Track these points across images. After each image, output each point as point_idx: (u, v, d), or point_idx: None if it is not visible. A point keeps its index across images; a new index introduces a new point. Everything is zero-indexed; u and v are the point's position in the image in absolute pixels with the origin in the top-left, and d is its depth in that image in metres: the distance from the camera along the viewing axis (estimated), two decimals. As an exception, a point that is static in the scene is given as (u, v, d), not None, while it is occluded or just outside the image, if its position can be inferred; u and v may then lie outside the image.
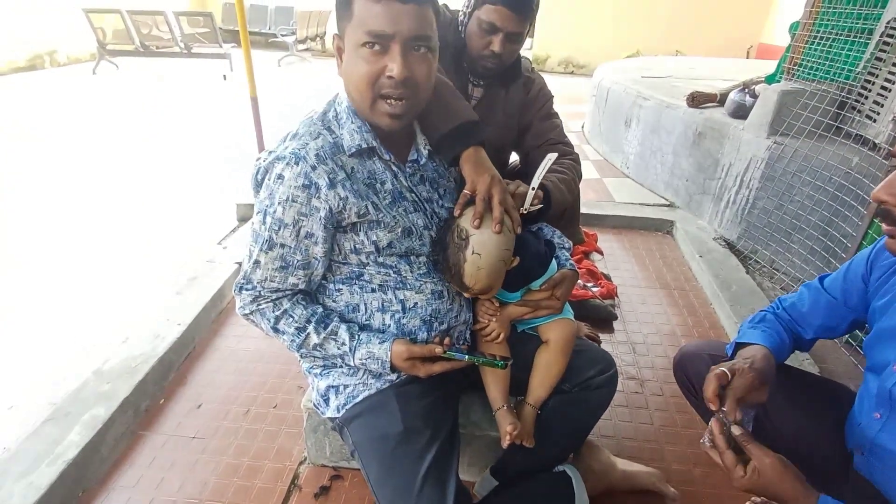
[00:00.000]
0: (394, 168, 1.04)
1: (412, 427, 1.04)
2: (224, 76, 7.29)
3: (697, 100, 2.88)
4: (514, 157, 1.77)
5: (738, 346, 1.10)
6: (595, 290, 2.16)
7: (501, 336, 1.18)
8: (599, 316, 2.07)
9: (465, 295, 1.11)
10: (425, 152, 1.08)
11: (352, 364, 1.05)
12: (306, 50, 9.50)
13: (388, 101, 0.92)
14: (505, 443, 1.13)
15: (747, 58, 8.20)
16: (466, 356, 1.04)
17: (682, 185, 2.93)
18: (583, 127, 4.58)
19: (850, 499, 1.03)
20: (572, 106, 5.66)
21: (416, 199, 1.07)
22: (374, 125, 1.00)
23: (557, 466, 1.27)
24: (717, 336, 2.05)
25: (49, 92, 6.18)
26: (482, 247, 1.00)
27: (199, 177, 3.58)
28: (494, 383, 1.19)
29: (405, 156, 1.07)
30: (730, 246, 2.56)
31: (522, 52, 1.59)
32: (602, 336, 1.99)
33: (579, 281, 2.18)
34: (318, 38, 10.03)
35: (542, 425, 1.21)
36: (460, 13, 1.46)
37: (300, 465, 1.44)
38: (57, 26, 7.57)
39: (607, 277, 2.30)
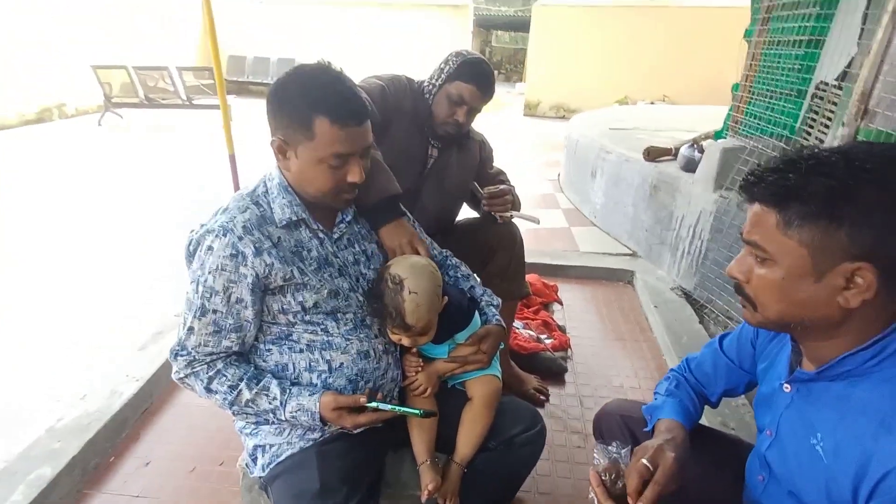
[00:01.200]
0: (320, 235, 1.13)
1: (328, 485, 1.07)
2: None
3: (653, 154, 3.01)
4: None
5: (655, 410, 1.14)
6: (548, 342, 2.21)
7: (428, 391, 1.23)
8: (550, 369, 2.11)
9: (406, 341, 1.16)
10: (351, 212, 1.19)
11: (283, 418, 1.09)
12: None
13: (347, 193, 1.10)
14: (423, 497, 1.17)
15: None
16: (389, 406, 1.10)
17: (643, 236, 3.02)
18: (558, 176, 4.73)
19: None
20: (552, 154, 5.83)
21: (342, 263, 1.16)
22: (313, 202, 1.11)
23: None
24: (667, 388, 2.08)
25: (55, 143, 6.46)
26: (417, 285, 1.10)
27: (178, 229, 3.71)
28: (420, 437, 1.23)
29: (332, 222, 1.17)
30: (686, 295, 2.62)
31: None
32: (552, 389, 2.03)
33: (532, 333, 2.24)
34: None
35: (469, 483, 1.24)
36: (427, 83, 1.64)
37: (237, 525, 1.48)
38: (66, 81, 7.98)
39: (562, 329, 2.35)
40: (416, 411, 1.11)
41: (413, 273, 1.12)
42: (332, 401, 1.07)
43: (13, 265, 3.06)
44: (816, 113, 2.20)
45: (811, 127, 2.24)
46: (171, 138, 7.02)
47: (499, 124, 8.93)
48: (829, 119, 2.09)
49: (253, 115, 8.37)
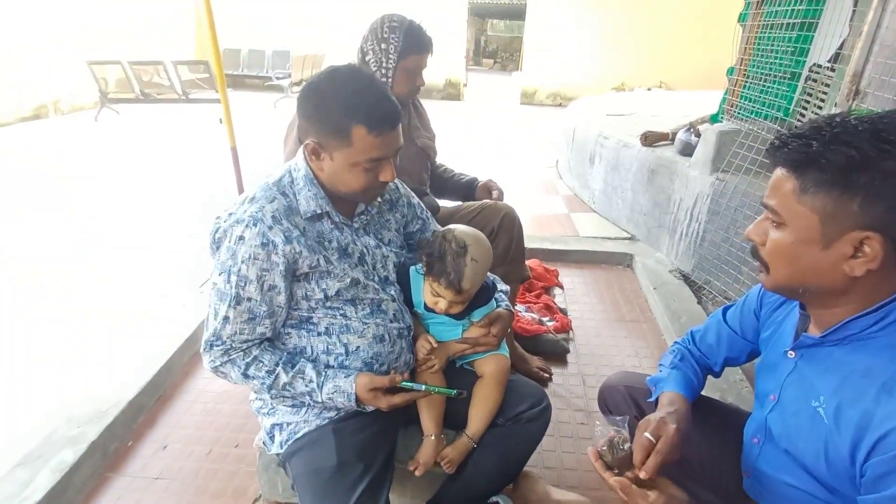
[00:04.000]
0: (341, 226, 1.17)
1: (345, 460, 1.13)
2: (220, 120, 7.53)
3: (650, 139, 3.05)
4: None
5: (659, 382, 1.18)
6: (550, 324, 2.26)
7: (436, 367, 1.28)
8: (552, 350, 2.16)
9: (442, 304, 1.22)
10: (375, 204, 1.23)
11: (319, 400, 1.13)
12: (301, 91, 9.85)
13: (377, 190, 1.14)
14: (410, 466, 1.24)
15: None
16: (424, 386, 1.16)
17: (642, 220, 3.07)
18: (557, 163, 4.76)
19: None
20: (551, 141, 5.84)
21: (363, 249, 1.19)
22: (336, 195, 1.14)
23: (492, 497, 1.35)
24: (666, 366, 2.14)
25: (53, 138, 6.45)
26: (479, 254, 1.19)
27: (182, 223, 3.74)
28: (428, 412, 1.28)
29: (352, 212, 1.20)
30: (685, 277, 2.67)
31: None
32: (555, 369, 2.09)
33: (535, 315, 2.29)
34: (312, 80, 10.42)
35: (477, 458, 1.30)
36: (374, 64, 1.71)
37: (255, 502, 1.53)
38: (60, 77, 7.94)
39: (563, 312, 2.41)
40: (450, 391, 1.17)
41: (476, 242, 1.21)
42: (368, 381, 1.12)
43: (17, 263, 3.07)
44: (810, 95, 2.24)
45: (805, 108, 2.28)
46: (168, 133, 7.01)
47: (496, 113, 8.94)
48: (822, 101, 2.13)
49: (250, 109, 8.36)
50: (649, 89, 8.51)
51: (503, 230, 1.84)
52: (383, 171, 1.09)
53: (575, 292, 2.67)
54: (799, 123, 2.32)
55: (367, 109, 1.03)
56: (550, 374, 2.04)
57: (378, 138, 1.04)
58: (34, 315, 2.47)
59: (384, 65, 1.69)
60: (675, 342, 1.30)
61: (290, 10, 11.34)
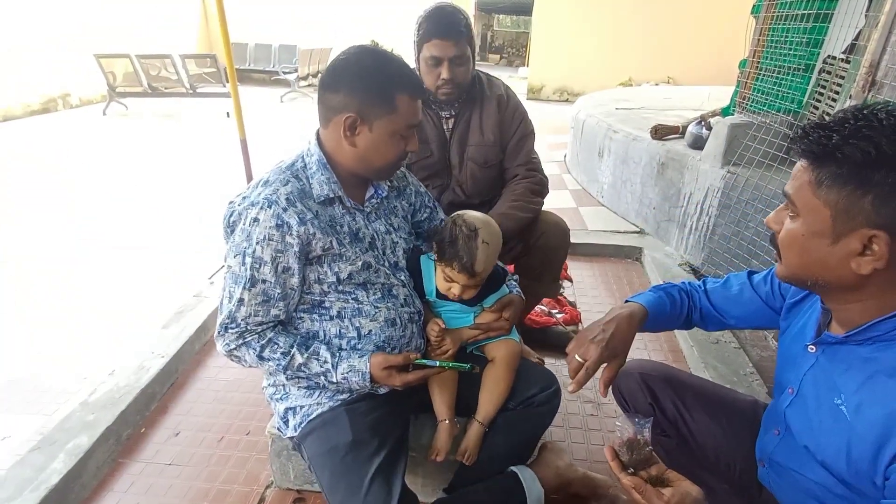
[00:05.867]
0: (352, 211, 1.18)
1: (360, 438, 1.14)
2: (227, 113, 7.57)
3: (660, 132, 3.03)
4: None
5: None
6: (559, 316, 2.26)
7: (450, 352, 1.28)
8: (561, 342, 2.15)
9: (456, 289, 1.23)
10: (385, 188, 1.24)
11: (334, 380, 1.14)
12: (308, 86, 9.87)
13: (402, 162, 1.19)
14: (430, 458, 1.24)
15: (736, 82, 8.35)
16: (438, 362, 1.17)
17: (651, 213, 3.05)
18: (565, 157, 4.75)
19: (762, 509, 1.11)
20: (558, 136, 5.82)
21: (373, 234, 1.20)
22: (347, 178, 1.16)
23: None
24: (676, 359, 2.13)
25: (61, 133, 6.49)
26: (489, 236, 1.20)
27: (195, 213, 3.76)
28: (441, 396, 1.29)
29: (363, 197, 1.21)
30: (694, 271, 2.66)
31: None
32: (564, 361, 2.07)
33: (543, 308, 2.29)
34: (319, 75, 10.43)
35: (489, 442, 1.30)
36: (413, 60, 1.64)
37: (266, 489, 1.54)
38: (70, 71, 7.98)
39: (572, 304, 2.40)
40: (465, 365, 1.18)
41: (486, 225, 1.22)
42: (382, 360, 1.13)
43: (17, 263, 3.08)
44: (824, 87, 2.22)
45: (818, 101, 2.26)
46: (177, 126, 7.04)
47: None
48: (837, 93, 2.11)
49: (256, 104, 8.38)
50: (656, 84, 8.46)
51: (538, 248, 1.75)
52: (411, 141, 1.14)
53: (584, 285, 2.66)
54: (811, 116, 2.30)
55: (408, 77, 1.09)
56: (543, 364, 2.03)
57: (416, 104, 1.11)
58: (34, 315, 2.47)
59: (414, 58, 1.62)
60: (683, 282, 1.22)
61: (293, 12, 11.35)
